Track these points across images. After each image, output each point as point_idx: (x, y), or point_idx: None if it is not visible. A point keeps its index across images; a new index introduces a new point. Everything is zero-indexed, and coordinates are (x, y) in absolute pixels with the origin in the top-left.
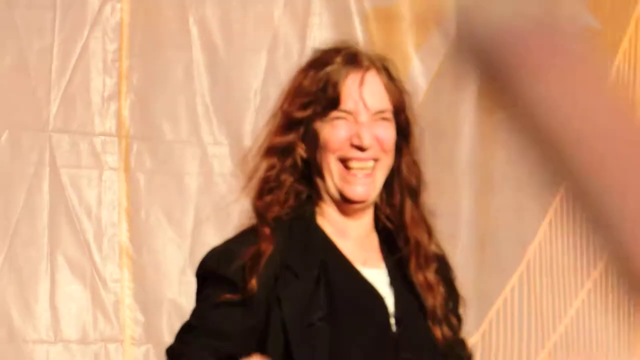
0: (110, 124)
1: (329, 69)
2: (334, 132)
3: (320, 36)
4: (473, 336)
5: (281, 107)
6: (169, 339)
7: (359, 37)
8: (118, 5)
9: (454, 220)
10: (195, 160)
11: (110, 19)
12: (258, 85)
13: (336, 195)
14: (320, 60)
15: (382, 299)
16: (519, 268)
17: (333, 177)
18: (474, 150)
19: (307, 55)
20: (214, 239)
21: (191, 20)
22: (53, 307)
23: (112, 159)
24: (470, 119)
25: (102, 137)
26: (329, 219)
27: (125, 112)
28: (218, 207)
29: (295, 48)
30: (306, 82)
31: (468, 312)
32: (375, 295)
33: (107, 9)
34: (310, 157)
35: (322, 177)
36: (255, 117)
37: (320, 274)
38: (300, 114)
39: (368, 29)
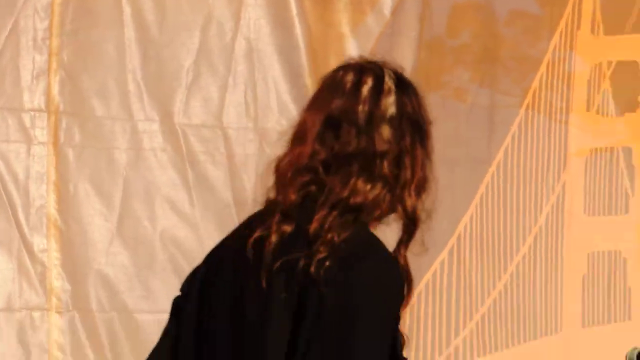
0: (39, 100)
1: None
2: None
3: (255, 16)
4: None
5: None
6: (95, 307)
7: (294, 18)
8: None
9: None
10: (125, 136)
11: None
12: (190, 64)
13: None
14: None
15: None
16: (450, 242)
17: None
18: None
19: (241, 34)
20: (142, 212)
21: None
22: None
23: (40, 133)
24: None
25: (32, 113)
26: None
27: (55, 89)
28: (147, 181)
29: (229, 27)
30: None
31: None
32: None
33: None
34: None
35: None
36: (187, 95)
37: None
38: None
39: (303, 9)
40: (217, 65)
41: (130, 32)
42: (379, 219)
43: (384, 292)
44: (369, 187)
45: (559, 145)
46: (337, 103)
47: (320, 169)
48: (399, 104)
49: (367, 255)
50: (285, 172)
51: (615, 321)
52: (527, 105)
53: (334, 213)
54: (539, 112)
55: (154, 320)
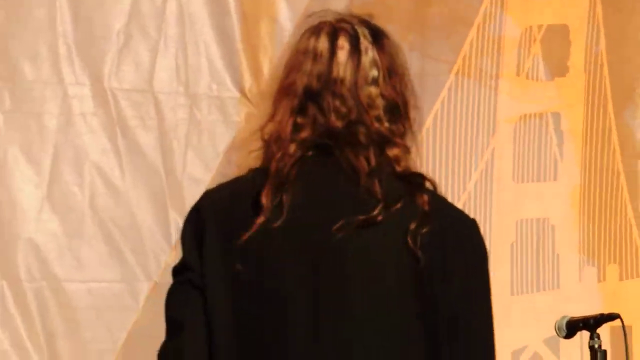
0: None
1: None
2: None
3: None
4: None
5: None
6: (24, 277)
7: None
8: None
9: None
10: (55, 100)
11: None
12: (121, 26)
13: None
14: None
15: None
16: None
17: None
18: None
19: None
20: (71, 179)
21: None
22: None
23: None
24: None
25: None
26: None
27: None
28: (77, 146)
29: None
30: None
31: None
32: None
33: None
34: None
35: None
36: (118, 58)
37: None
38: None
39: None
40: (148, 29)
41: None
42: None
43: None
44: (399, 152)
45: (489, 111)
46: (315, 71)
47: (312, 140)
48: (379, 63)
49: (467, 216)
50: (270, 141)
51: (545, 289)
52: (457, 70)
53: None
54: (469, 77)
55: (84, 289)
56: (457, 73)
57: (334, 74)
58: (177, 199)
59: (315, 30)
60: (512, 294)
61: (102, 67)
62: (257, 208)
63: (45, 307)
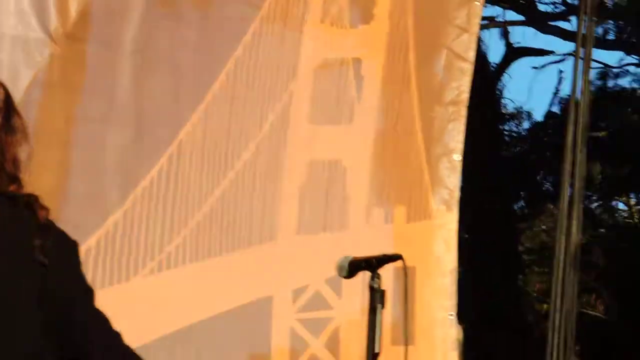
0: None
1: None
2: None
3: None
4: (116, 213)
5: None
6: None
7: None
8: None
9: (109, 100)
10: None
11: None
12: None
13: None
14: None
15: None
16: (170, 149)
17: None
18: (139, 32)
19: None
20: None
21: None
22: None
23: None
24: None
25: None
26: None
27: None
28: None
29: None
30: None
31: (112, 190)
32: None
33: None
34: None
35: None
36: None
37: None
38: None
39: None
40: None
41: None
42: None
43: None
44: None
45: (292, 57)
46: None
47: None
48: None
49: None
50: None
51: (332, 230)
52: (263, 15)
53: None
54: (274, 21)
55: None
56: (262, 18)
57: None
58: None
59: None
60: (297, 233)
61: None
62: None
63: None
